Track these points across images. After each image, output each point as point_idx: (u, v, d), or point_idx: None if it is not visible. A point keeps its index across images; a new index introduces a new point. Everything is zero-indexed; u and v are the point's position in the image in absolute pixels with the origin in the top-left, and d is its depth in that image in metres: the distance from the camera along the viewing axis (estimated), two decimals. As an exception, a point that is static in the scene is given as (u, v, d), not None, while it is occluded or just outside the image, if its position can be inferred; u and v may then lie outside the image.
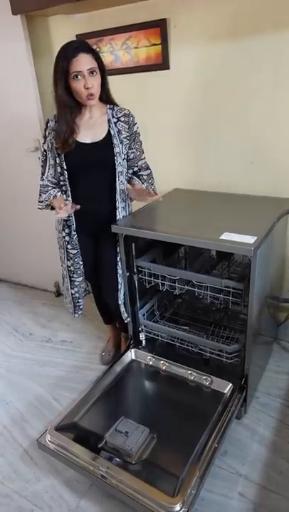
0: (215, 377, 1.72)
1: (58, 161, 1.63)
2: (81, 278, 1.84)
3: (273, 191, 1.90)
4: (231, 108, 1.90)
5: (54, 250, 1.95)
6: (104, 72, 1.57)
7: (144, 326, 1.95)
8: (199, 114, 1.99)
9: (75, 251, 1.76)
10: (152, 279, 1.79)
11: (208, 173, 2.08)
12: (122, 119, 1.64)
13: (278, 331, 2.16)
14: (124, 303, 1.86)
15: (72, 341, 2.34)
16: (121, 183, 1.68)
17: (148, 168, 1.77)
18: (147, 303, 1.98)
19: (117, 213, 1.70)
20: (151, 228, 1.64)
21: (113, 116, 1.63)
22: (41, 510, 1.43)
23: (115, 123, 1.63)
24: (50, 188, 1.68)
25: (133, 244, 1.76)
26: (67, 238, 1.74)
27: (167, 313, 2.10)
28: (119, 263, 1.77)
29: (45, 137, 1.65)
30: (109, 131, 1.62)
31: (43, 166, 1.69)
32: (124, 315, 1.88)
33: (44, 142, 1.66)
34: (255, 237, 1.41)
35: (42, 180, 1.70)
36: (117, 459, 1.40)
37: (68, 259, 1.79)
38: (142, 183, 1.75)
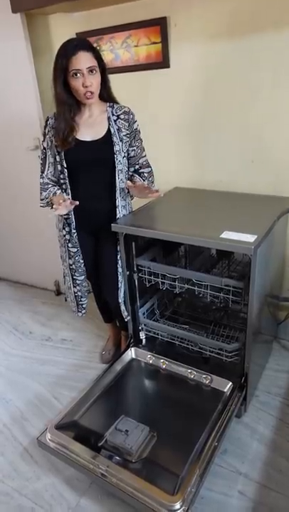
0: (215, 375, 1.73)
1: (57, 159, 1.62)
2: (83, 277, 1.84)
3: (273, 190, 1.90)
4: (231, 106, 1.89)
5: (54, 249, 1.96)
6: (104, 70, 1.56)
7: (144, 325, 1.95)
8: (199, 113, 1.99)
9: (75, 249, 1.76)
10: (152, 277, 1.79)
11: (209, 171, 2.07)
12: (122, 116, 1.63)
13: (278, 330, 2.16)
14: (124, 301, 1.86)
15: (72, 340, 2.34)
16: (121, 181, 1.68)
17: (149, 165, 1.77)
18: (147, 302, 1.98)
19: (117, 212, 1.70)
20: (152, 227, 1.64)
21: (113, 114, 1.63)
22: (41, 509, 1.43)
23: (115, 121, 1.63)
24: (50, 186, 1.68)
25: (133, 243, 1.75)
26: (67, 236, 1.74)
27: (167, 312, 2.11)
28: (120, 262, 1.77)
29: (44, 135, 1.65)
30: (109, 129, 1.62)
31: (43, 164, 1.69)
32: (124, 313, 1.88)
33: (44, 140, 1.66)
34: (256, 236, 1.41)
35: (42, 178, 1.69)
36: (117, 458, 1.40)
37: (70, 258, 1.79)
38: (143, 180, 1.75)
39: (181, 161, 2.13)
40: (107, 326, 2.19)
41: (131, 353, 1.94)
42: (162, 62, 1.96)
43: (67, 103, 1.55)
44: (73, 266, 1.80)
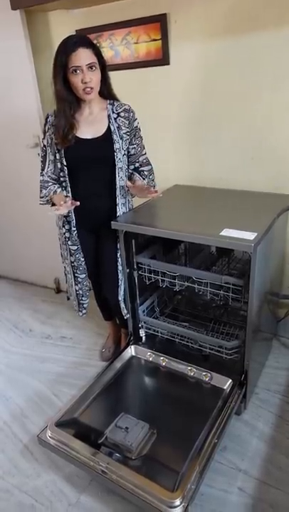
0: (215, 373, 1.73)
1: (57, 157, 1.62)
2: (84, 275, 1.83)
3: (273, 187, 1.90)
4: (231, 104, 1.89)
5: (54, 247, 1.95)
6: (105, 67, 1.56)
7: (144, 323, 1.95)
8: (199, 110, 1.98)
9: (76, 247, 1.76)
10: (152, 275, 1.79)
11: (208, 169, 2.07)
12: (122, 114, 1.63)
13: (278, 327, 2.16)
14: (124, 299, 1.86)
15: (72, 338, 2.34)
16: (121, 179, 1.68)
17: (149, 163, 1.77)
18: (147, 299, 1.98)
19: (118, 209, 1.69)
20: (152, 225, 1.64)
21: (113, 112, 1.63)
22: (42, 505, 1.43)
23: (115, 118, 1.63)
24: (50, 184, 1.68)
25: (133, 241, 1.75)
26: (67, 234, 1.74)
27: (167, 310, 2.11)
28: (120, 259, 1.77)
29: (44, 132, 1.65)
30: (109, 127, 1.61)
31: (43, 162, 1.69)
32: (124, 311, 1.88)
33: (44, 137, 1.66)
34: (256, 234, 1.41)
35: (42, 175, 1.69)
36: (117, 455, 1.40)
37: (71, 255, 1.79)
38: (143, 179, 1.75)
39: (181, 158, 2.13)
40: (107, 323, 2.19)
41: (131, 351, 1.94)
42: (162, 59, 1.95)
43: (67, 100, 1.55)
44: (75, 263, 1.80)
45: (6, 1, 2.02)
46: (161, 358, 1.86)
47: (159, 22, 1.88)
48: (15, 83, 2.28)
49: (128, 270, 1.80)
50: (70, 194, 1.66)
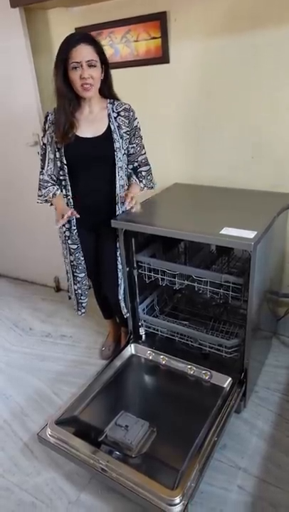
0: (214, 371, 1.73)
1: (57, 156, 1.62)
2: (83, 274, 1.83)
3: (273, 186, 1.90)
4: (231, 102, 1.89)
5: (54, 245, 1.95)
6: (106, 66, 1.56)
7: (144, 321, 1.96)
8: (199, 108, 1.98)
9: (76, 246, 1.76)
10: (152, 274, 1.79)
11: (208, 167, 2.07)
12: (122, 113, 1.63)
13: (278, 326, 2.16)
14: (124, 298, 1.86)
15: (72, 336, 2.34)
16: (120, 178, 1.67)
17: (147, 164, 1.77)
18: (147, 298, 1.98)
19: (117, 208, 1.69)
20: (151, 223, 1.64)
21: (113, 111, 1.63)
22: (42, 503, 1.44)
23: (115, 118, 1.62)
24: (49, 185, 1.67)
25: (133, 239, 1.75)
26: (67, 233, 1.74)
27: (167, 308, 2.11)
28: (119, 258, 1.77)
29: (44, 131, 1.64)
30: (109, 126, 1.61)
31: (43, 160, 1.68)
32: (124, 310, 1.88)
33: (44, 136, 1.66)
34: (255, 232, 1.41)
35: (42, 174, 1.69)
36: (117, 453, 1.40)
37: (70, 254, 1.79)
38: (140, 180, 1.76)
39: (181, 156, 2.13)
40: (107, 322, 2.19)
41: (131, 349, 1.94)
42: (162, 57, 1.95)
43: (67, 97, 1.54)
44: (74, 263, 1.80)
45: (5, 0, 2.01)
46: (161, 356, 1.87)
47: (159, 20, 1.88)
48: (14, 82, 2.28)
49: (128, 269, 1.80)
50: (70, 193, 1.66)
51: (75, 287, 1.86)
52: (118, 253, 1.77)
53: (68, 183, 1.65)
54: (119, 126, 1.63)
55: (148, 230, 1.63)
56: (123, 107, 1.64)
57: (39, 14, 2.20)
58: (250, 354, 1.61)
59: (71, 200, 1.67)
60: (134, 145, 1.70)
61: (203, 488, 1.42)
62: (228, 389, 1.66)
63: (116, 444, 1.43)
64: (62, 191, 1.67)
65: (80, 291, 1.86)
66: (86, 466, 1.38)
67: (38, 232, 2.67)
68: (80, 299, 1.88)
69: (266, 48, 1.72)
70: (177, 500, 1.21)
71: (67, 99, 1.55)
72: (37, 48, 2.24)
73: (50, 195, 1.66)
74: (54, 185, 1.68)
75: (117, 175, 1.65)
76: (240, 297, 1.61)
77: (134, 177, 1.75)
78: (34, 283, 2.96)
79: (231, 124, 1.93)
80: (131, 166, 1.74)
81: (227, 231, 1.44)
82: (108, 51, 2.05)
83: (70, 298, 1.97)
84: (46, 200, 1.70)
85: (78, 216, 1.60)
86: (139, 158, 1.74)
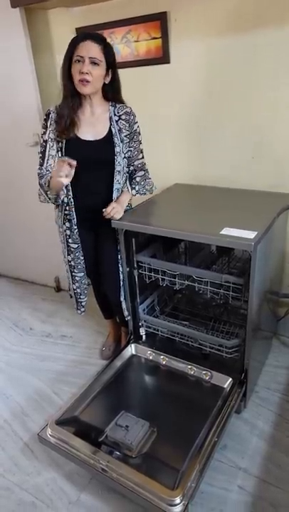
0: (215, 371, 1.73)
1: (59, 155, 1.61)
2: (82, 274, 1.83)
3: (274, 186, 1.90)
4: (232, 102, 1.89)
5: (54, 245, 1.95)
6: (114, 68, 1.56)
7: (144, 321, 1.96)
8: (200, 109, 1.98)
9: (76, 245, 1.76)
10: (152, 274, 1.79)
11: (209, 167, 2.07)
12: (124, 117, 1.63)
13: (278, 326, 2.16)
14: (125, 298, 1.86)
15: (72, 336, 2.34)
16: (117, 182, 1.68)
17: (143, 169, 1.76)
18: (147, 298, 1.98)
19: None
20: (152, 223, 1.64)
21: (115, 114, 1.62)
22: (42, 503, 1.44)
23: (117, 121, 1.62)
24: (49, 173, 1.62)
25: (133, 240, 1.75)
26: (68, 232, 1.74)
27: (167, 308, 2.11)
28: (120, 258, 1.77)
29: (46, 127, 1.62)
30: (110, 130, 1.61)
31: (42, 157, 1.65)
32: (126, 312, 1.88)
33: (44, 133, 1.63)
34: (256, 232, 1.41)
35: (40, 169, 1.65)
36: (118, 453, 1.40)
37: (69, 254, 1.78)
38: (133, 187, 1.75)
39: (181, 157, 2.13)
40: (107, 322, 2.19)
41: (131, 349, 1.94)
42: (162, 57, 1.95)
43: (70, 93, 1.55)
44: (72, 262, 1.80)
45: (5, 0, 2.01)
46: (162, 356, 1.87)
47: (159, 20, 1.88)
48: (15, 82, 2.28)
49: (128, 269, 1.80)
50: (70, 192, 1.65)
51: (74, 286, 1.86)
52: (118, 253, 1.77)
53: (69, 183, 1.64)
54: (120, 130, 1.63)
55: (148, 230, 1.63)
56: (124, 111, 1.64)
57: (39, 14, 2.20)
58: (250, 354, 1.61)
59: (72, 199, 1.66)
60: (132, 149, 1.69)
61: (204, 489, 1.42)
62: (228, 389, 1.66)
63: (116, 444, 1.43)
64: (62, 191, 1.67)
65: (79, 290, 1.86)
66: (86, 466, 1.38)
67: (38, 231, 2.67)
68: (80, 298, 1.88)
69: (267, 48, 1.72)
70: (177, 500, 1.21)
71: (71, 95, 1.55)
72: (37, 48, 2.24)
73: (48, 178, 1.58)
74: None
75: (114, 178, 1.65)
76: (241, 297, 1.61)
77: (127, 183, 1.75)
78: (34, 283, 2.97)
79: (232, 124, 1.93)
80: (127, 169, 1.74)
81: (227, 231, 1.44)
82: (109, 51, 2.05)
83: (71, 296, 1.97)
84: (48, 187, 1.59)
85: (75, 163, 1.47)
86: (136, 163, 1.73)
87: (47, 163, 1.64)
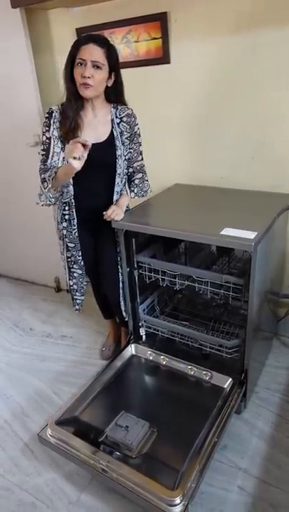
0: (215, 372, 1.73)
1: (61, 155, 1.61)
2: (81, 271, 1.83)
3: (274, 186, 1.90)
4: (232, 103, 1.89)
5: (54, 245, 1.95)
6: (117, 71, 1.55)
7: (145, 321, 1.96)
8: (200, 109, 1.98)
9: (73, 245, 1.76)
10: (152, 274, 1.79)
11: (209, 168, 2.07)
12: (125, 119, 1.63)
13: (278, 327, 2.16)
14: (124, 299, 1.86)
15: (72, 336, 2.34)
16: (117, 184, 1.68)
17: (141, 171, 1.76)
18: (147, 298, 1.98)
19: None
20: (152, 223, 1.64)
21: (116, 117, 1.62)
22: (42, 504, 1.44)
23: (118, 124, 1.62)
24: (54, 168, 1.58)
25: (133, 240, 1.75)
26: (64, 231, 1.73)
27: (167, 309, 2.11)
28: (120, 259, 1.77)
29: (49, 126, 1.59)
30: (112, 132, 1.61)
31: (46, 155, 1.61)
32: (124, 313, 1.88)
33: (48, 130, 1.59)
34: (256, 233, 1.41)
35: (44, 165, 1.59)
36: (118, 453, 1.40)
37: (68, 251, 1.79)
38: (132, 189, 1.76)
39: (182, 157, 2.13)
40: (107, 322, 2.19)
41: (131, 350, 1.94)
42: (162, 57, 1.95)
43: (73, 95, 1.54)
44: (72, 259, 1.80)
45: (6, 0, 2.01)
46: (162, 356, 1.87)
47: (160, 20, 1.88)
48: (15, 82, 2.28)
49: (128, 269, 1.80)
50: (72, 192, 1.65)
51: (71, 283, 1.86)
52: (118, 254, 1.77)
53: (70, 183, 1.65)
54: (121, 133, 1.62)
55: (148, 231, 1.63)
56: (126, 113, 1.64)
57: (40, 14, 2.20)
58: (250, 355, 1.61)
59: (73, 200, 1.66)
60: (131, 150, 1.69)
61: (204, 489, 1.42)
62: (228, 389, 1.66)
63: (116, 445, 1.43)
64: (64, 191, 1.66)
65: (75, 286, 1.86)
66: (86, 466, 1.38)
67: (38, 232, 2.67)
68: (76, 295, 1.88)
69: (268, 49, 1.72)
70: (177, 500, 1.21)
71: (74, 97, 1.54)
72: (38, 48, 2.24)
73: (55, 169, 1.54)
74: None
75: (115, 181, 1.65)
76: (241, 298, 1.61)
77: (126, 186, 1.75)
78: (34, 283, 2.97)
79: (232, 124, 1.93)
80: (126, 171, 1.74)
81: (227, 231, 1.44)
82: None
83: (67, 291, 1.97)
84: (53, 179, 1.53)
85: (90, 144, 1.42)
86: (135, 164, 1.73)
87: (51, 159, 1.60)
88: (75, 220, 1.70)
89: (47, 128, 1.60)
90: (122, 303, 1.86)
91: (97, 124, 1.61)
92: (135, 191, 1.76)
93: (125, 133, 1.63)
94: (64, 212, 1.69)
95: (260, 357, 1.89)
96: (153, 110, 2.06)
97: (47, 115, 1.60)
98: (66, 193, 1.63)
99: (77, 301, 1.90)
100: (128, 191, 1.75)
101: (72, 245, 1.76)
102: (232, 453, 1.56)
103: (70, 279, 1.85)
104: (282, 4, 1.63)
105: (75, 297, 1.89)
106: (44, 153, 1.62)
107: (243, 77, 1.81)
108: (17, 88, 2.29)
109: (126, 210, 1.77)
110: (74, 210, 1.67)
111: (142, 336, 1.99)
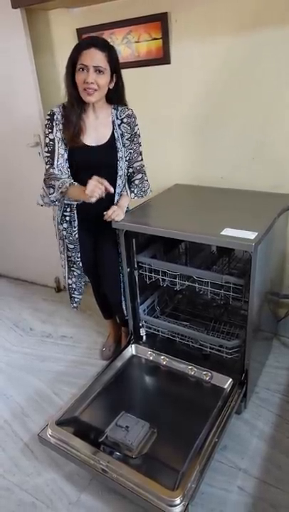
0: (215, 372, 1.73)
1: (65, 157, 1.61)
2: (80, 271, 1.83)
3: (274, 187, 1.90)
4: (232, 103, 1.89)
5: (54, 245, 1.95)
6: (118, 73, 1.55)
7: (145, 322, 1.96)
8: (200, 109, 1.98)
9: (73, 246, 1.76)
10: (153, 274, 1.79)
11: (209, 168, 2.07)
12: (125, 120, 1.63)
13: (278, 327, 2.16)
14: (125, 299, 1.86)
15: (72, 336, 2.34)
16: (118, 186, 1.68)
17: (141, 171, 1.76)
18: (148, 298, 1.98)
19: None
20: (152, 224, 1.64)
21: (117, 118, 1.62)
22: (42, 504, 1.44)
23: (119, 125, 1.62)
24: (65, 176, 1.58)
25: (133, 240, 1.75)
26: (64, 232, 1.73)
27: (168, 309, 2.11)
28: (120, 260, 1.77)
29: (52, 127, 1.58)
30: (113, 134, 1.61)
31: (51, 156, 1.59)
32: (125, 312, 1.88)
33: (51, 132, 1.58)
34: (256, 233, 1.41)
35: (52, 168, 1.57)
36: (118, 453, 1.40)
37: (68, 250, 1.79)
38: (132, 190, 1.75)
39: (182, 157, 2.13)
40: (107, 322, 2.19)
41: (131, 350, 1.94)
42: (163, 58, 1.95)
43: (75, 99, 1.54)
44: (72, 258, 1.80)
45: (6, 0, 2.01)
46: (162, 357, 1.87)
47: (160, 21, 1.88)
48: (15, 82, 2.28)
49: (128, 269, 1.80)
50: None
51: (70, 282, 1.86)
52: (118, 255, 1.77)
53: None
54: (122, 135, 1.63)
55: (149, 231, 1.63)
56: (126, 113, 1.63)
57: (40, 15, 2.20)
58: (250, 355, 1.61)
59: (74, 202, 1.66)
60: (131, 151, 1.69)
61: (204, 489, 1.42)
62: (228, 390, 1.66)
63: (116, 445, 1.43)
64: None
65: (74, 285, 1.86)
66: (86, 466, 1.38)
67: (38, 232, 2.67)
68: (74, 293, 1.88)
69: (269, 49, 1.72)
70: (178, 501, 1.21)
71: (75, 99, 1.54)
72: (38, 48, 2.24)
73: (67, 184, 1.54)
74: (68, 177, 1.59)
75: (116, 182, 1.66)
76: (241, 298, 1.61)
77: (126, 187, 1.75)
78: (35, 283, 2.97)
79: (232, 124, 1.93)
80: (126, 172, 1.74)
81: (228, 232, 1.44)
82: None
83: (65, 288, 1.97)
84: (61, 193, 1.54)
85: (112, 190, 1.51)
86: (134, 165, 1.73)
87: (57, 161, 1.59)
88: (76, 222, 1.70)
89: (50, 130, 1.58)
90: (123, 302, 1.86)
91: (98, 126, 1.61)
92: (135, 192, 1.76)
93: (126, 134, 1.64)
94: (65, 213, 1.69)
95: (260, 357, 1.89)
96: (153, 110, 2.06)
97: (48, 117, 1.59)
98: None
99: (75, 299, 1.91)
100: (128, 192, 1.75)
101: (72, 246, 1.76)
102: (232, 453, 1.56)
103: (69, 278, 1.85)
104: (282, 4, 1.63)
105: (73, 296, 1.90)
106: (49, 155, 1.60)
107: (243, 77, 1.81)
108: (17, 88, 2.29)
109: (126, 211, 1.77)
110: (75, 211, 1.67)
111: (142, 336, 1.99)
